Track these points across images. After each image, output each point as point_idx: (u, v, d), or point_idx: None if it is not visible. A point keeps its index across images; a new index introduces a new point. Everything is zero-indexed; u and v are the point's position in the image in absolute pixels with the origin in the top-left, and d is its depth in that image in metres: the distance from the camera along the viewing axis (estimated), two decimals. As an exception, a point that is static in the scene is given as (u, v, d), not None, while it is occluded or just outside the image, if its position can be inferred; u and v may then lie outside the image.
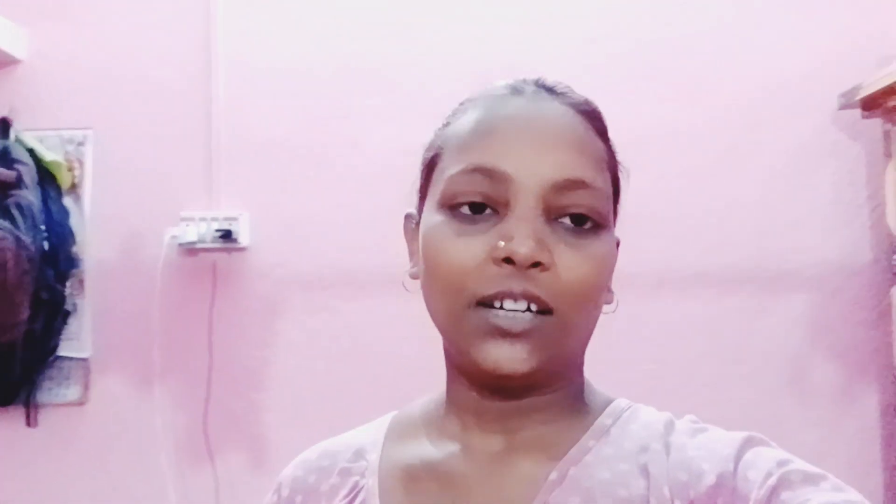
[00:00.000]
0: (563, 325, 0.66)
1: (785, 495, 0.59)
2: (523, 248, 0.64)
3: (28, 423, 2.18)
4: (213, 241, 2.14)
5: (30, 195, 2.10)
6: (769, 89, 2.11)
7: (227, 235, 2.14)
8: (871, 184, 2.07)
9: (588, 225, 0.68)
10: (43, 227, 2.12)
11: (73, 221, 2.20)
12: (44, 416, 2.20)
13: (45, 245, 2.12)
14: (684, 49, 2.14)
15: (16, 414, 2.18)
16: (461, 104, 0.76)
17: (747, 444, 0.66)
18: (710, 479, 0.63)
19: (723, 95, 2.13)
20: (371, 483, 0.74)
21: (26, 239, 2.04)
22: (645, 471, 0.67)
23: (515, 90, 0.73)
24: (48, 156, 2.18)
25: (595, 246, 0.68)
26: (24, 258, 2.02)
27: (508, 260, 0.64)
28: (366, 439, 0.79)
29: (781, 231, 2.09)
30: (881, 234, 2.03)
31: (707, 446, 0.67)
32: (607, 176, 0.72)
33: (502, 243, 0.65)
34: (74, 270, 2.20)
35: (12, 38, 2.23)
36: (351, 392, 2.08)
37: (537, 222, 0.66)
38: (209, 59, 2.23)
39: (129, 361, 2.20)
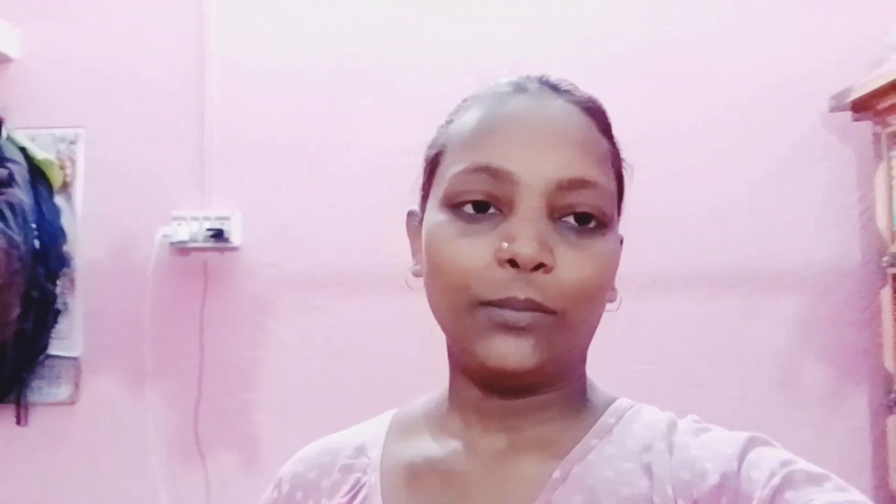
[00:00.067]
0: (566, 324, 0.66)
1: (788, 495, 0.59)
2: (527, 250, 0.63)
3: (18, 423, 2.17)
4: (204, 241, 2.13)
5: (21, 194, 2.08)
6: (761, 92, 2.13)
7: (219, 235, 2.13)
8: (862, 186, 2.09)
9: (592, 224, 0.67)
10: (34, 226, 2.11)
11: (65, 220, 2.20)
12: (34, 416, 2.19)
13: (37, 244, 2.11)
14: (683, 49, 2.16)
15: (6, 413, 2.17)
16: (464, 101, 0.75)
17: (751, 443, 0.66)
18: (713, 479, 0.63)
19: (716, 97, 2.14)
20: (373, 480, 0.73)
21: (17, 238, 2.03)
22: (648, 470, 0.67)
23: (519, 87, 0.72)
24: (40, 154, 2.17)
25: (599, 245, 0.67)
26: (14, 257, 2.01)
27: (512, 262, 0.64)
28: (367, 436, 0.79)
29: (772, 232, 2.10)
30: (871, 235, 2.04)
31: (710, 446, 0.66)
32: (612, 174, 0.72)
33: (506, 245, 0.64)
34: (65, 269, 2.19)
35: (5, 37, 2.23)
36: (343, 392, 2.08)
37: (541, 222, 0.65)
38: (202, 59, 2.23)
39: (120, 361, 2.19)
